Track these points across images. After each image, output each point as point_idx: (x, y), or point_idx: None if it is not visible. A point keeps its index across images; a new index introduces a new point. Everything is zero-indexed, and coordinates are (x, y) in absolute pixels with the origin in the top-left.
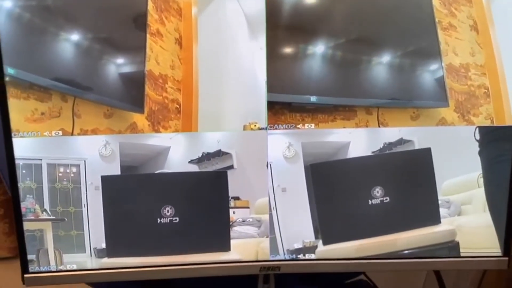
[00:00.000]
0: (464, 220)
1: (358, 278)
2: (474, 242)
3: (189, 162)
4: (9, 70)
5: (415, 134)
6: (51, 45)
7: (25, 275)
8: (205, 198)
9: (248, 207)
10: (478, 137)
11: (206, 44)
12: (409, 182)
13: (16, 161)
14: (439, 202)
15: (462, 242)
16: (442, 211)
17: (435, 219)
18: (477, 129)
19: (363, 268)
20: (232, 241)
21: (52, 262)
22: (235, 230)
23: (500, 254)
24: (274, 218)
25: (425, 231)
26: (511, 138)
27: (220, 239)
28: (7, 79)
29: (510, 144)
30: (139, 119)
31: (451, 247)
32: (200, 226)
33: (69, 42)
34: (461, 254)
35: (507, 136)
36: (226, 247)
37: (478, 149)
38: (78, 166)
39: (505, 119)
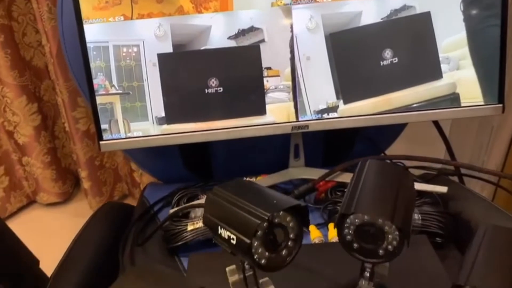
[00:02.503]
0: (462, 73)
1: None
2: (472, 93)
3: (227, 38)
4: None
5: (416, 0)
6: None
7: (101, 142)
8: (243, 69)
9: (279, 76)
10: (462, 7)
11: None
12: (414, 43)
13: (88, 45)
14: (440, 59)
15: (462, 94)
16: (443, 66)
17: (438, 74)
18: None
19: (378, 122)
20: (267, 106)
21: (122, 130)
22: (269, 96)
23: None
24: (301, 84)
25: (430, 86)
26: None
27: (257, 104)
28: None
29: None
30: (185, 2)
31: (453, 98)
32: (240, 94)
33: None
34: (462, 105)
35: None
36: (262, 111)
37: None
38: (138, 46)
39: None
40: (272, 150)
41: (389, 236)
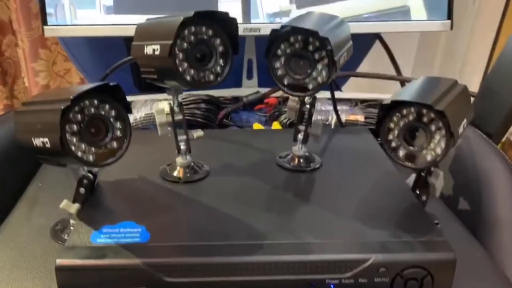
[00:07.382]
0: None
1: None
2: (422, 7)
3: None
4: None
5: None
6: None
7: (45, 27)
8: None
9: None
10: None
11: None
12: None
13: None
14: None
15: (413, 7)
16: None
17: None
18: None
19: None
20: (218, 4)
21: (68, 16)
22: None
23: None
24: None
25: None
26: None
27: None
28: None
29: None
30: None
31: (403, 11)
32: None
33: None
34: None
35: None
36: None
37: None
38: None
39: None
40: None
41: (318, 65)
